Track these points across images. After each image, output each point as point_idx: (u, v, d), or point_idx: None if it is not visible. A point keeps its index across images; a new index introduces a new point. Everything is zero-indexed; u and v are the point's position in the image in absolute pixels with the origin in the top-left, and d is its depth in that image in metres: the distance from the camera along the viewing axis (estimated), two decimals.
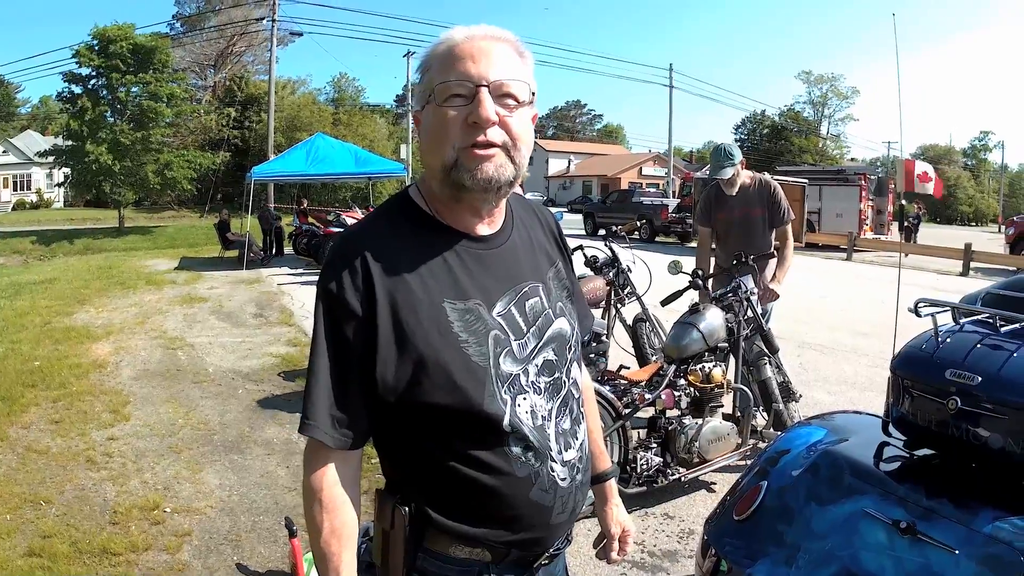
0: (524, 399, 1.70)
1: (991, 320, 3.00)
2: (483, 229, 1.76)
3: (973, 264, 22.75)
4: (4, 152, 64.36)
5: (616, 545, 2.18)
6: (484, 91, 1.60)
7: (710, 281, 6.81)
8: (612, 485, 2.20)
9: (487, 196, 1.67)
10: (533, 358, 1.74)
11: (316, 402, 1.63)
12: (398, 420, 1.68)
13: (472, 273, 1.70)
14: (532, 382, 1.73)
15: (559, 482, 1.74)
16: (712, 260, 7.26)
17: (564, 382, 1.82)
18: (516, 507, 1.69)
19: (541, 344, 1.77)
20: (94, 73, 36.11)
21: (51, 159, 38.51)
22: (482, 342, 1.66)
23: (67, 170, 37.58)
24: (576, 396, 1.87)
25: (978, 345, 2.82)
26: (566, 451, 1.78)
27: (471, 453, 1.65)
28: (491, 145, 1.62)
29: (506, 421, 1.65)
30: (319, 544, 1.65)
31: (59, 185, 43.34)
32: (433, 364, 1.61)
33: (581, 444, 1.85)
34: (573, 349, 1.88)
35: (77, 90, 36.20)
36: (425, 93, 1.68)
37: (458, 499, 1.68)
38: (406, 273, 1.64)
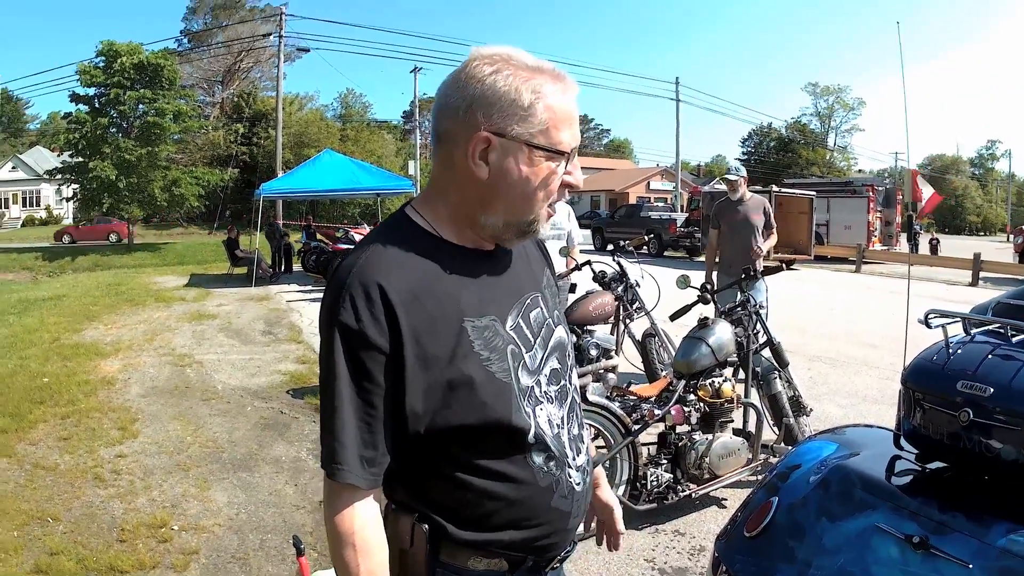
0: (541, 409, 1.71)
1: (1002, 330, 2.97)
2: (487, 245, 1.75)
3: (982, 274, 22.71)
4: (13, 168, 64.87)
5: (604, 529, 2.22)
6: (574, 154, 1.67)
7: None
8: (600, 471, 2.22)
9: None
10: (543, 368, 1.75)
11: (346, 444, 1.57)
12: (424, 444, 1.64)
13: (484, 289, 1.69)
14: (545, 392, 1.74)
15: (575, 487, 1.77)
16: (715, 274, 8.76)
17: (569, 389, 1.84)
18: (539, 515, 1.70)
19: (547, 354, 1.78)
20: (100, 91, 36.25)
21: (59, 176, 38.73)
22: (502, 358, 1.66)
23: (76, 187, 37.74)
24: (579, 402, 1.90)
25: (989, 356, 2.79)
26: (578, 456, 1.81)
27: (495, 468, 1.65)
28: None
29: (532, 432, 1.66)
30: None
31: (67, 200, 43.50)
32: (461, 385, 1.59)
33: (586, 448, 1.89)
34: (571, 355, 1.90)
35: (82, 108, 36.35)
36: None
37: (481, 514, 1.67)
38: (424, 297, 1.60)
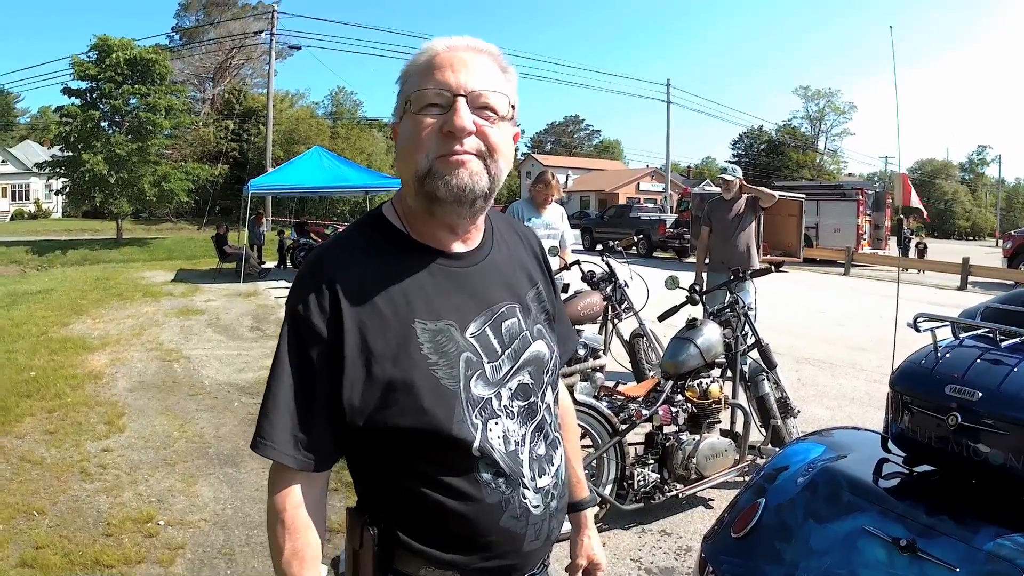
0: (496, 423, 1.66)
1: (991, 335, 2.98)
2: (458, 247, 1.72)
3: (971, 278, 22.85)
4: (3, 162, 64.69)
5: None
6: (461, 100, 1.56)
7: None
8: (588, 515, 2.13)
9: (461, 209, 1.62)
10: (507, 381, 1.70)
11: (276, 422, 1.59)
12: (367, 442, 1.63)
13: (445, 293, 1.66)
14: (505, 406, 1.68)
15: (531, 509, 1.70)
16: (705, 275, 8.79)
17: (539, 406, 1.77)
18: (487, 534, 1.65)
19: (516, 367, 1.72)
20: (92, 85, 36.10)
21: (49, 170, 38.49)
22: (453, 364, 1.62)
23: (65, 180, 37.55)
24: (551, 421, 1.82)
25: (978, 360, 2.80)
26: (540, 477, 1.73)
27: (439, 478, 1.61)
28: (466, 153, 1.58)
29: (476, 445, 1.61)
30: (280, 565, 1.61)
31: (57, 193, 43.32)
32: (401, 387, 1.57)
33: (557, 470, 1.80)
34: (551, 372, 1.83)
35: (75, 102, 36.19)
36: (402, 103, 1.65)
37: (427, 523, 1.64)
38: (375, 293, 1.60)
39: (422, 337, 1.60)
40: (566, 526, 1.96)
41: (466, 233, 1.73)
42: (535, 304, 1.85)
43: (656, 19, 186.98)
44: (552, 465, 1.78)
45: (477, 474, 1.62)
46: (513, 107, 1.67)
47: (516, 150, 1.73)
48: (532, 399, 1.75)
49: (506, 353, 1.71)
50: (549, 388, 1.83)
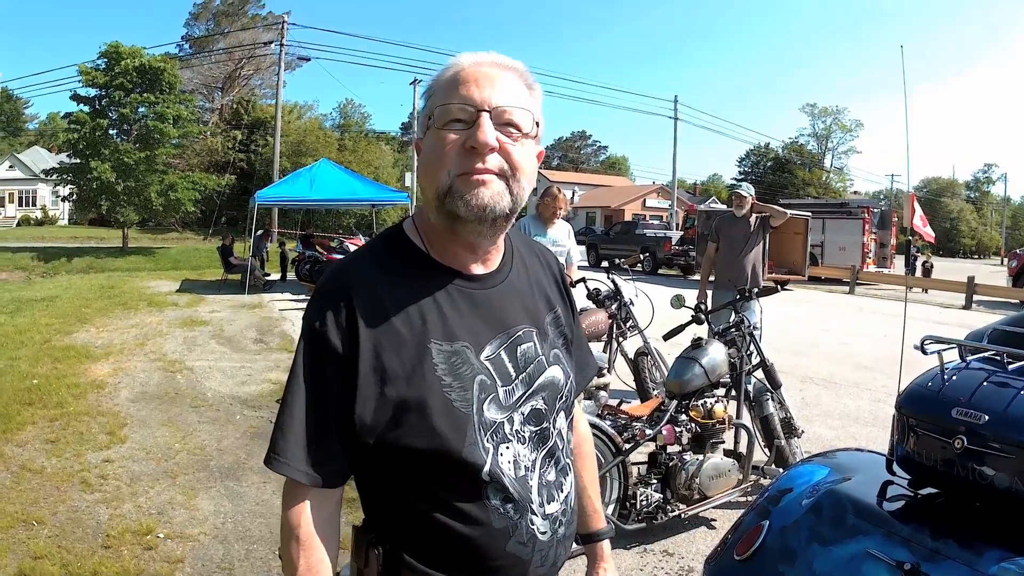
0: (507, 448, 1.65)
1: (998, 357, 2.96)
2: (478, 268, 1.71)
3: (976, 297, 22.83)
4: (10, 167, 64.85)
5: None
6: (485, 116, 1.55)
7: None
8: (604, 547, 2.10)
9: (481, 228, 1.60)
10: (520, 406, 1.68)
11: (290, 438, 1.59)
12: (376, 461, 1.62)
13: (462, 314, 1.65)
14: (516, 431, 1.67)
15: (538, 536, 1.69)
16: (711, 293, 8.90)
17: (551, 432, 1.75)
18: (492, 558, 1.63)
19: (530, 392, 1.71)
20: (101, 93, 36.24)
21: (56, 177, 38.56)
22: (467, 387, 1.61)
23: (72, 187, 37.60)
24: (562, 447, 1.80)
25: (985, 383, 2.78)
26: (548, 504, 1.72)
27: (447, 500, 1.60)
28: (488, 172, 1.56)
29: (486, 470, 1.60)
30: None
31: (64, 200, 43.41)
32: (414, 407, 1.56)
33: (566, 496, 1.78)
34: (565, 399, 1.81)
35: (83, 109, 36.34)
36: (426, 117, 1.63)
37: (433, 545, 1.62)
38: (392, 312, 1.59)
39: (437, 358, 1.59)
40: (574, 546, 1.94)
41: (486, 254, 1.72)
42: (553, 328, 1.83)
43: (665, 37, 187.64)
44: (562, 492, 1.77)
45: (485, 499, 1.61)
46: (538, 124, 1.67)
47: None
48: (544, 425, 1.74)
49: (520, 377, 1.70)
50: (563, 414, 1.81)
